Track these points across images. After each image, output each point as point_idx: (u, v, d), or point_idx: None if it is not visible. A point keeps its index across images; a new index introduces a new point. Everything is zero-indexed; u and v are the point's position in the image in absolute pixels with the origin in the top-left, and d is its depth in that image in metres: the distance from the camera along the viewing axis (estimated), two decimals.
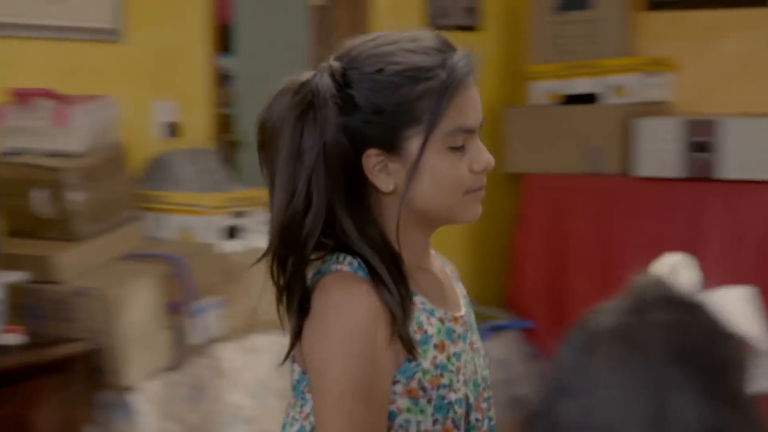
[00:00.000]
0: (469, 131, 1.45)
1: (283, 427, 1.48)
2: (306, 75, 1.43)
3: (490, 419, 1.53)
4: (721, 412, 0.88)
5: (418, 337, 1.42)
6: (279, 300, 1.42)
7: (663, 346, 0.89)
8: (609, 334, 0.91)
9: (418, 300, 1.45)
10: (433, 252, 1.59)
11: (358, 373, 1.37)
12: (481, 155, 1.46)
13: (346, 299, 1.39)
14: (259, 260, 1.44)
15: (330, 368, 1.37)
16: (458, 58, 1.44)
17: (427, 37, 1.46)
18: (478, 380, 1.51)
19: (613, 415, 0.88)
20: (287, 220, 1.39)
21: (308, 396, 1.44)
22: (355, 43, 1.47)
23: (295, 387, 1.46)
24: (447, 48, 1.45)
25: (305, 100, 1.40)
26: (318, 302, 1.40)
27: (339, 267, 1.42)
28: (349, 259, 1.42)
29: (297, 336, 1.42)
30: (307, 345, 1.41)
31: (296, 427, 1.45)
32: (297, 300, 1.41)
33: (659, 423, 0.87)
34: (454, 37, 1.49)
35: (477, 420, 1.48)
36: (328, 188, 1.40)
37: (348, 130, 1.41)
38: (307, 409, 1.44)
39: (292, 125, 1.39)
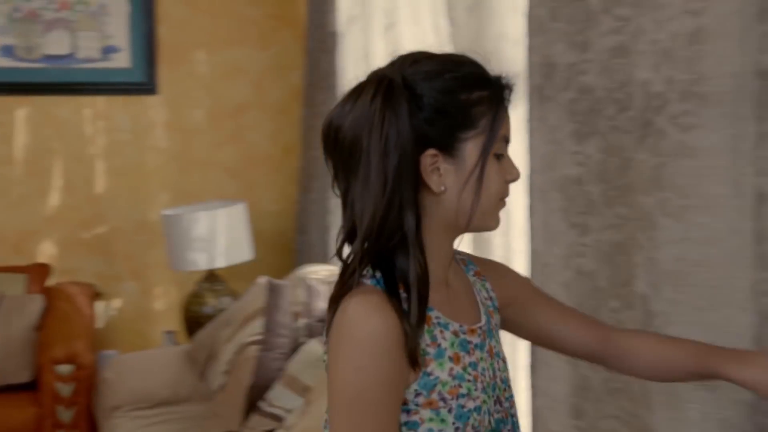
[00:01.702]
0: (508, 141, 1.41)
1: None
2: (374, 78, 1.35)
3: (513, 416, 1.48)
4: None
5: (432, 350, 1.35)
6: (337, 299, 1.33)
7: None
8: None
9: (433, 315, 1.37)
10: (463, 253, 1.53)
11: (366, 383, 1.29)
12: (513, 166, 1.42)
13: (361, 312, 1.30)
14: (351, 254, 1.34)
15: (339, 377, 1.30)
16: (506, 74, 1.41)
17: (473, 58, 1.42)
18: (497, 383, 1.45)
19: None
20: (384, 214, 1.31)
21: None
22: (411, 53, 1.40)
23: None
24: (489, 68, 1.41)
25: (386, 101, 1.32)
26: (338, 313, 1.32)
27: (361, 279, 1.34)
28: (370, 271, 1.34)
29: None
30: (328, 353, 1.35)
31: None
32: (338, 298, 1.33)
33: None
34: None
35: (501, 422, 1.43)
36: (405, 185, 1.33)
37: (414, 130, 1.33)
38: None
39: (378, 125, 1.31)
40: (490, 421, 1.41)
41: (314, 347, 3.05)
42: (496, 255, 2.45)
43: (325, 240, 3.95)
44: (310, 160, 4.10)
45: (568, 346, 1.59)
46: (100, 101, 4.45)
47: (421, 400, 1.34)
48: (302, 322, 3.32)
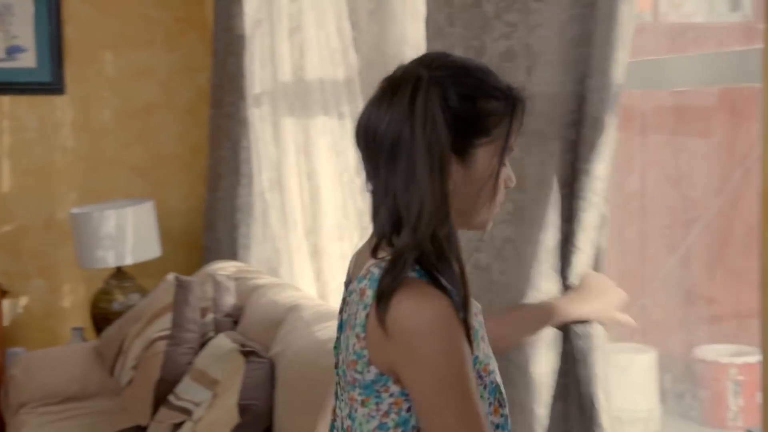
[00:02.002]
0: (512, 150, 1.43)
1: (353, 420, 1.40)
2: (408, 77, 1.35)
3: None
4: None
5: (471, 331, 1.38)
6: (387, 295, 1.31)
7: None
8: None
9: None
10: None
11: (457, 364, 1.30)
12: (512, 173, 1.46)
13: (426, 304, 1.30)
14: (401, 246, 1.32)
15: (429, 372, 1.30)
16: (519, 88, 1.43)
17: (489, 67, 1.44)
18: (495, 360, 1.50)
19: None
20: (432, 203, 1.32)
21: (384, 395, 1.36)
22: (437, 54, 1.42)
23: (369, 386, 1.37)
24: (503, 79, 1.44)
25: (428, 99, 1.33)
26: (398, 315, 1.31)
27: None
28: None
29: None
30: (400, 349, 1.31)
31: (374, 423, 1.37)
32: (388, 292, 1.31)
33: None
34: None
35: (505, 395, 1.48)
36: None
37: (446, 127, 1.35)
38: (384, 407, 1.37)
39: (421, 121, 1.32)
40: (504, 395, 1.46)
41: (222, 342, 3.03)
42: None
43: (234, 237, 3.93)
44: (218, 159, 4.07)
45: None
46: (6, 101, 4.34)
47: None
48: (210, 317, 3.30)
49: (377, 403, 1.37)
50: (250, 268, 3.72)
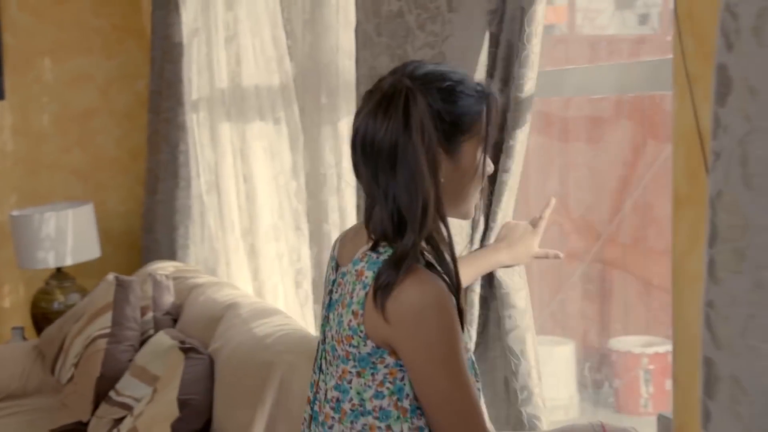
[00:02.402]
0: (492, 141, 1.52)
1: (345, 392, 1.46)
2: (395, 90, 1.42)
3: None
4: None
5: None
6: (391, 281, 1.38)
7: None
8: None
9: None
10: None
11: (453, 339, 1.38)
12: (490, 162, 1.53)
13: (426, 284, 1.38)
14: (407, 242, 1.39)
15: (426, 346, 1.38)
16: (487, 86, 1.53)
17: (463, 71, 1.52)
18: None
19: None
20: (431, 202, 1.39)
21: (380, 366, 1.42)
22: (411, 65, 1.48)
23: (365, 358, 1.43)
24: (476, 79, 1.54)
25: (418, 109, 1.41)
26: (400, 298, 1.37)
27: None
28: None
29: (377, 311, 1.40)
30: (403, 324, 1.38)
31: (371, 392, 1.44)
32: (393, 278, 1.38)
33: None
34: None
35: None
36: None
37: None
38: (379, 377, 1.43)
39: (418, 129, 1.40)
40: (477, 369, 1.55)
41: (162, 339, 3.00)
42: (333, 236, 2.48)
43: (172, 238, 3.89)
44: (157, 163, 4.03)
45: None
46: None
47: None
48: (150, 315, 3.26)
49: (373, 374, 1.43)
50: (189, 268, 3.68)
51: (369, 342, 1.42)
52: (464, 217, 1.54)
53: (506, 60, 1.81)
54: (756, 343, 1.06)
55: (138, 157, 4.41)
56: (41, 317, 3.99)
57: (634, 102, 4.01)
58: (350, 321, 1.43)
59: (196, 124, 3.85)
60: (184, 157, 3.84)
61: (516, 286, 1.84)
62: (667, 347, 4.08)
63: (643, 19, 4.82)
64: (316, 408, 1.54)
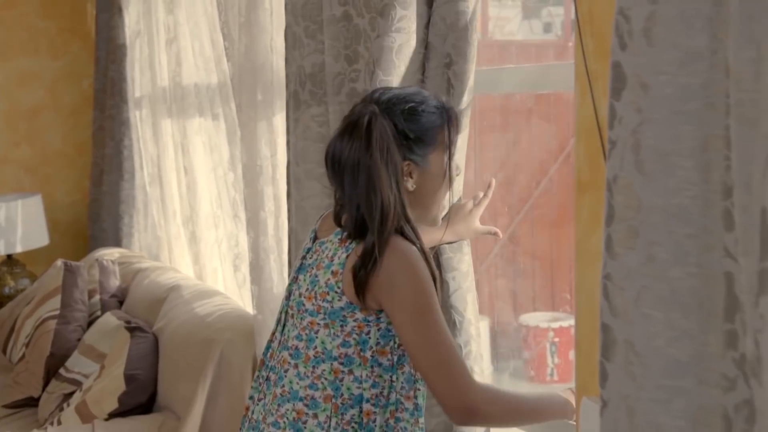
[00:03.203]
0: (456, 148, 1.60)
1: (310, 340, 1.53)
2: (361, 116, 1.51)
3: None
4: None
5: None
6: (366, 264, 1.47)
7: None
8: None
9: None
10: None
11: (430, 289, 1.48)
12: (459, 163, 1.65)
13: (401, 247, 1.48)
14: (369, 244, 1.48)
15: (407, 295, 1.46)
16: (447, 101, 1.64)
17: (425, 91, 1.61)
18: None
19: None
20: (392, 206, 1.48)
21: (349, 320, 1.50)
22: (378, 92, 1.56)
23: (336, 312, 1.51)
24: (436, 96, 1.61)
25: (381, 132, 1.49)
26: (396, 254, 1.47)
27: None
28: None
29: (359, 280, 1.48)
30: (390, 284, 1.46)
31: (338, 341, 1.51)
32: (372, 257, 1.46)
33: None
34: None
35: None
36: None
37: (398, 148, 1.52)
38: (347, 329, 1.50)
39: (378, 148, 1.48)
40: None
41: (109, 319, 2.95)
42: (269, 234, 2.47)
43: (118, 227, 3.84)
44: (102, 156, 3.96)
45: None
46: None
47: None
48: (97, 298, 3.21)
49: (342, 326, 1.51)
50: (134, 254, 3.63)
51: (344, 297, 1.50)
52: (432, 223, 1.62)
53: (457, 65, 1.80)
54: (648, 310, 1.09)
55: (84, 151, 4.32)
56: None
57: (541, 99, 4.07)
58: (328, 279, 1.52)
59: (139, 120, 3.81)
60: (128, 151, 3.81)
61: (461, 251, 1.86)
62: (570, 322, 4.17)
63: (548, 27, 4.90)
64: (269, 363, 1.61)
